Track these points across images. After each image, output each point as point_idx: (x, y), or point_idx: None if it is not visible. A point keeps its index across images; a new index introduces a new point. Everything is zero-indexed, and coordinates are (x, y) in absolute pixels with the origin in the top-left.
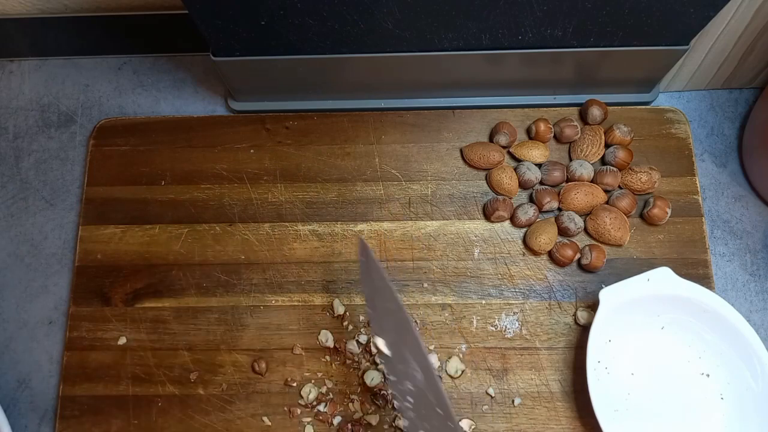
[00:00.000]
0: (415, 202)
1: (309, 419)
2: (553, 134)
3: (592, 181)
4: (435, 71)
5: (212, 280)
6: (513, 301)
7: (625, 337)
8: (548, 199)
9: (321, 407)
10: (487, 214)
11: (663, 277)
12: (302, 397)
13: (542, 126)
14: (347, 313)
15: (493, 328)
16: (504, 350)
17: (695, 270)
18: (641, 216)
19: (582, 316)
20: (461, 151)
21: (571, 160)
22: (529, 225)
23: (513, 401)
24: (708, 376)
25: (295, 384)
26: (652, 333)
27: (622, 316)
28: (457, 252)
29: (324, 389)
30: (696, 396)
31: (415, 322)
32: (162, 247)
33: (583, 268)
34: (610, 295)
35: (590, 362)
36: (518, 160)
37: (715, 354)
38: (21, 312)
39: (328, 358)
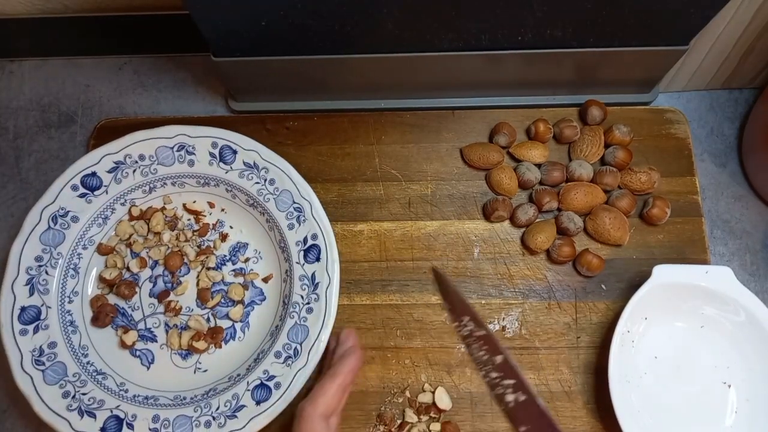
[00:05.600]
0: (415, 202)
1: None
2: (552, 134)
3: (591, 181)
4: (435, 71)
5: None
6: (513, 301)
7: (662, 320)
8: (548, 199)
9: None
10: (487, 214)
11: (722, 276)
12: None
13: (542, 126)
14: None
15: (493, 328)
16: None
17: None
18: (641, 216)
19: None
20: (461, 151)
21: (570, 160)
22: (528, 225)
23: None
24: (729, 386)
25: None
26: (689, 328)
27: (668, 299)
28: (457, 252)
29: None
30: (710, 402)
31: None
32: None
33: (581, 275)
34: (663, 272)
35: (620, 327)
36: (518, 161)
37: (744, 369)
38: None
39: None
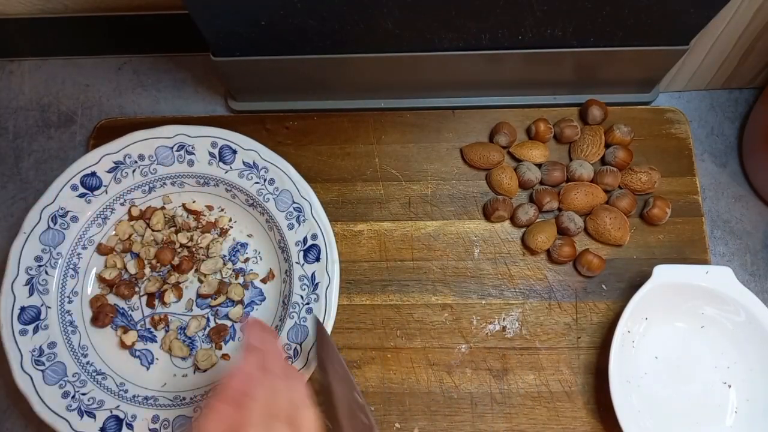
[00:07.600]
0: (415, 202)
1: None
2: (553, 134)
3: (592, 181)
4: (435, 71)
5: None
6: (513, 301)
7: (662, 320)
8: (548, 199)
9: None
10: (487, 214)
11: (722, 276)
12: None
13: (542, 126)
14: None
15: (493, 328)
16: (504, 350)
17: None
18: (641, 216)
19: None
20: (461, 151)
21: (571, 160)
22: (529, 225)
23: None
24: (729, 386)
25: None
26: (690, 328)
27: (668, 299)
28: (457, 252)
29: None
30: (710, 402)
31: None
32: None
33: (582, 275)
34: (664, 272)
35: (621, 327)
36: (518, 160)
37: (745, 369)
38: None
39: None
